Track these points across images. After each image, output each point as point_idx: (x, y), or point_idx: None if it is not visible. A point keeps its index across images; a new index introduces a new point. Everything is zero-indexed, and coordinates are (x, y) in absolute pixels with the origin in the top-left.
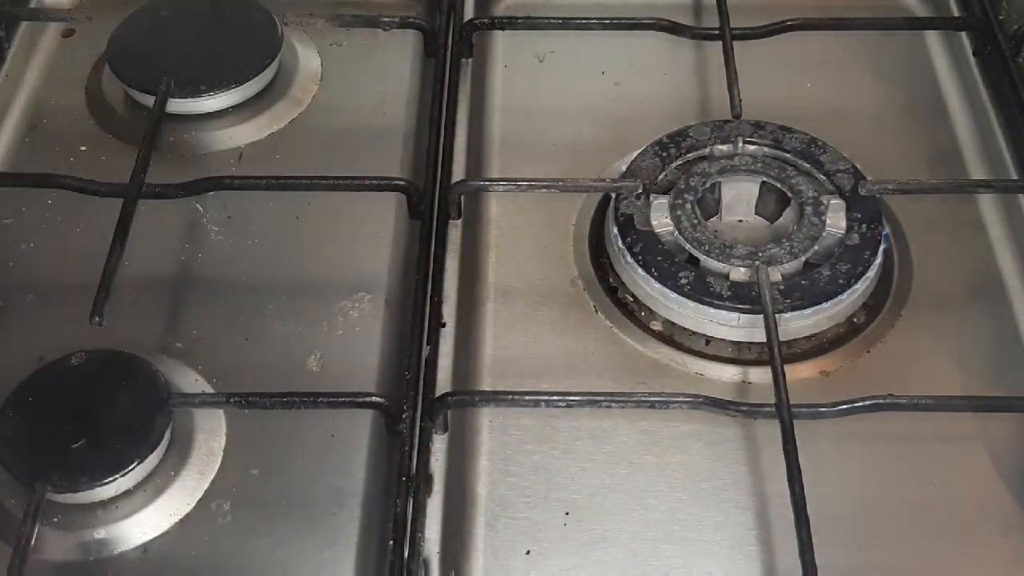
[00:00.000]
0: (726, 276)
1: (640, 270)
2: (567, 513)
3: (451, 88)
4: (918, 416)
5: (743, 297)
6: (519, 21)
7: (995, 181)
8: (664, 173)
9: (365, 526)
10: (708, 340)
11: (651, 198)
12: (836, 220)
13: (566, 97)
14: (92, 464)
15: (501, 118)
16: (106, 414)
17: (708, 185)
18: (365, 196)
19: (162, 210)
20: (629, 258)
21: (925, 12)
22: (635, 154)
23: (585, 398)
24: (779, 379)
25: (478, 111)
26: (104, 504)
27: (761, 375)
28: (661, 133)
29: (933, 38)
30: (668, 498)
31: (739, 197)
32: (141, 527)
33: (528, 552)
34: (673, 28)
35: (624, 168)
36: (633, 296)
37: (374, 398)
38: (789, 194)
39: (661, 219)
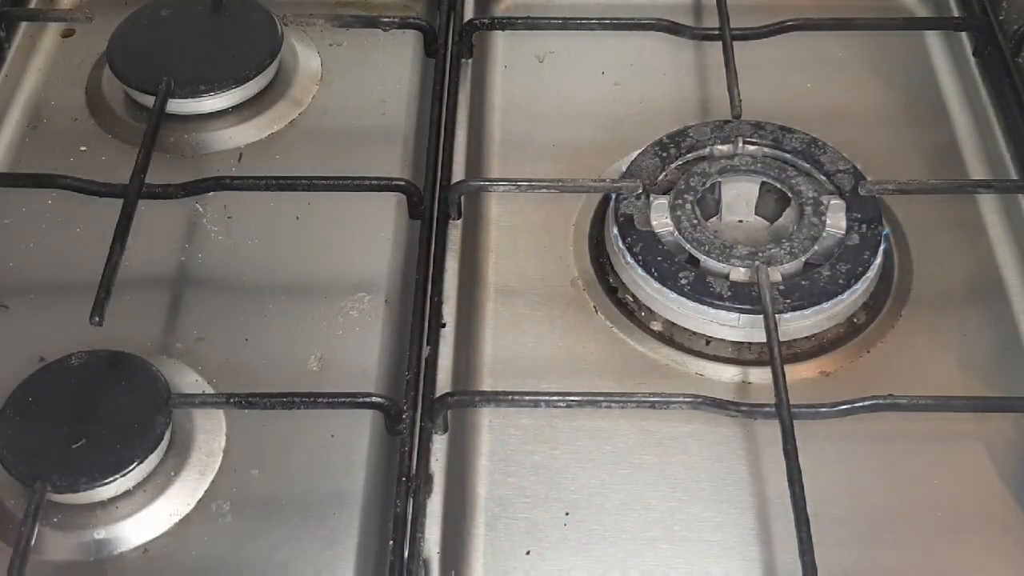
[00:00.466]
0: (726, 276)
1: (640, 270)
2: (567, 513)
3: (451, 88)
4: (918, 416)
5: (743, 297)
6: (519, 21)
7: (995, 181)
8: (664, 173)
9: (365, 526)
10: (708, 340)
11: (651, 198)
12: (836, 220)
13: (566, 97)
14: (92, 464)
15: (501, 118)
16: (106, 414)
17: (708, 185)
18: (365, 196)
19: (162, 210)
20: (629, 258)
21: (925, 12)
22: (635, 154)
23: (585, 398)
24: (779, 379)
25: (478, 111)
26: (104, 504)
27: (761, 375)
28: (661, 133)
29: (933, 38)
30: (668, 498)
31: (739, 197)
32: (141, 527)
33: (528, 552)
34: (673, 28)
35: (624, 168)
36: (633, 296)
37: (374, 398)
38: (789, 194)
39: (661, 219)
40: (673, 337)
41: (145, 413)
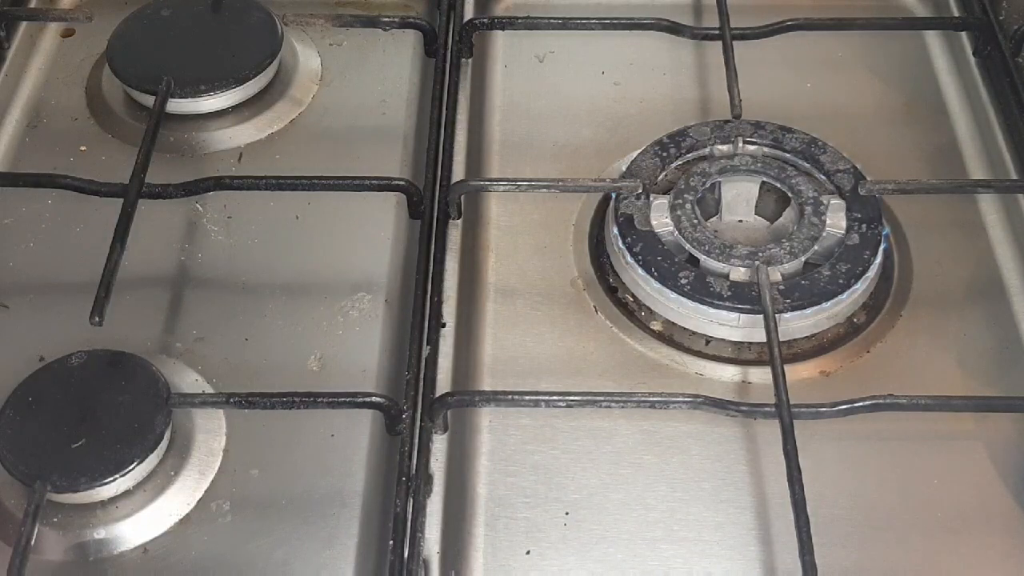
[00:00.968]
0: (726, 276)
1: (640, 270)
2: (567, 513)
3: (451, 88)
4: (918, 416)
5: (743, 297)
6: (519, 21)
7: (995, 181)
8: (664, 173)
9: (365, 526)
10: (708, 340)
11: (651, 198)
12: (836, 220)
13: (566, 97)
14: (92, 464)
15: (501, 118)
16: (106, 414)
17: (708, 185)
18: (365, 196)
19: (162, 210)
20: (629, 258)
21: (925, 12)
22: (635, 154)
23: (585, 398)
24: (779, 379)
25: (478, 111)
26: (104, 504)
27: (761, 375)
28: (661, 133)
29: (933, 38)
30: (668, 498)
31: (739, 197)
32: (141, 527)
33: (528, 552)
34: (673, 28)
35: (624, 168)
36: (633, 296)
37: (374, 398)
38: (789, 194)
39: (661, 219)
40: (673, 337)
41: (145, 413)
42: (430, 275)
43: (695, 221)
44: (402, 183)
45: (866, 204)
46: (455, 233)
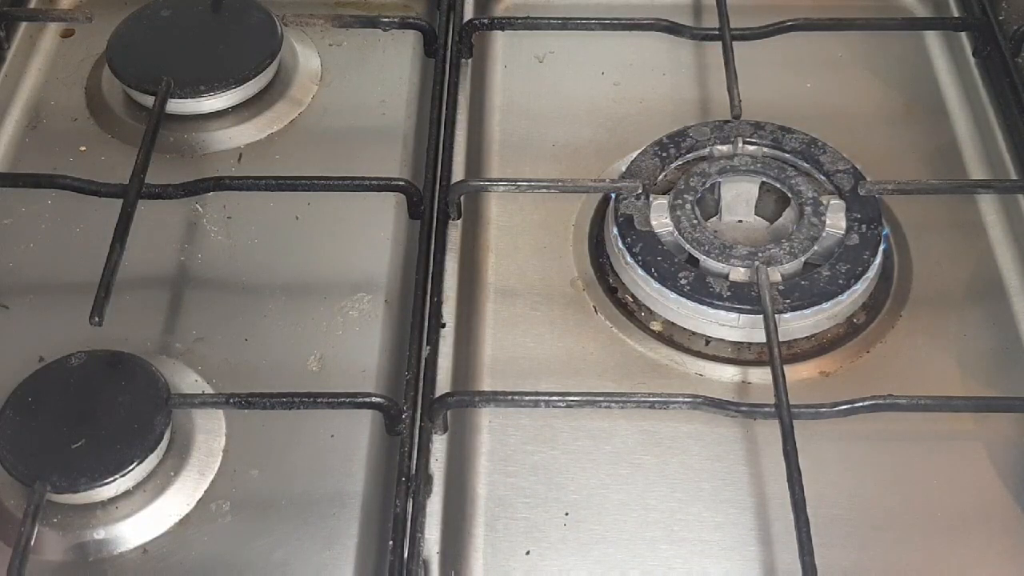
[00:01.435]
0: (726, 276)
1: (640, 270)
2: (567, 513)
3: (451, 88)
4: (918, 416)
5: (743, 297)
6: (519, 21)
7: (995, 181)
8: (664, 173)
9: (365, 526)
10: (708, 340)
11: (651, 198)
12: (836, 220)
13: (566, 97)
14: (92, 464)
15: (501, 118)
16: (106, 414)
17: (708, 185)
18: (365, 196)
19: (162, 210)
20: (629, 258)
21: (925, 12)
22: (635, 154)
23: (585, 398)
24: (779, 379)
25: (478, 111)
26: (104, 504)
27: (761, 375)
28: (661, 133)
29: (933, 38)
30: (668, 498)
31: (739, 197)
32: (141, 527)
33: (528, 552)
34: (673, 28)
35: (624, 168)
36: (633, 296)
37: (374, 398)
38: (789, 194)
39: (661, 219)
40: (673, 337)
41: (145, 413)
42: (430, 275)
43: (695, 221)
44: (402, 183)
45: (866, 204)
46: (455, 233)
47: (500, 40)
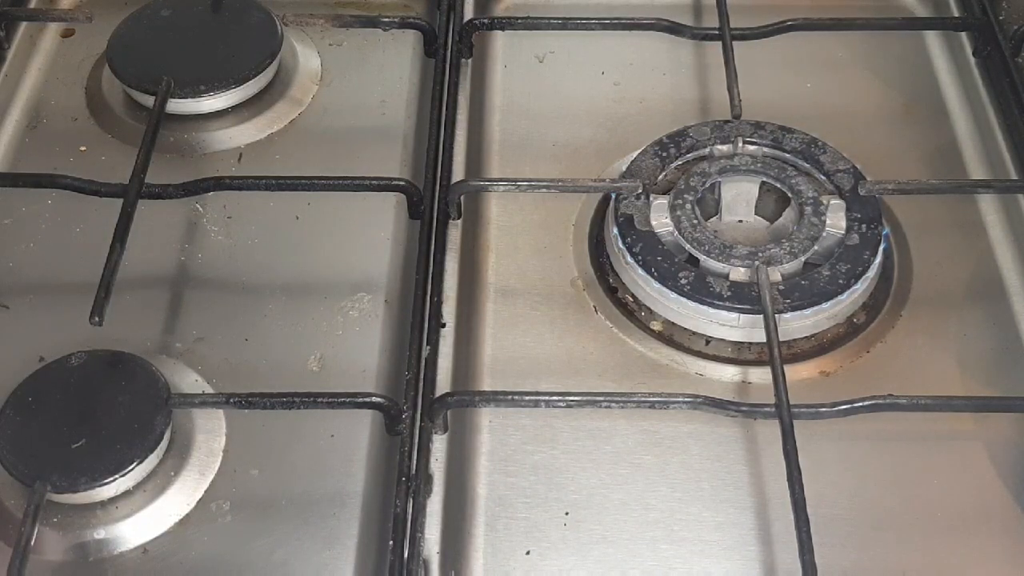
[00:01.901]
0: (726, 276)
1: (640, 270)
2: (567, 513)
3: (451, 88)
4: (918, 416)
5: (743, 297)
6: (519, 21)
7: (995, 181)
8: (664, 173)
9: (365, 526)
10: (708, 340)
11: (651, 198)
12: (836, 220)
13: (566, 97)
14: (92, 464)
15: (501, 118)
16: (106, 414)
17: (708, 185)
18: (365, 196)
19: (162, 210)
20: (629, 258)
21: (925, 12)
22: (635, 154)
23: (585, 398)
24: (779, 379)
25: (478, 111)
26: (104, 504)
27: (761, 375)
28: (661, 133)
29: (933, 38)
30: (668, 498)
31: (739, 197)
32: (141, 527)
33: (528, 552)
34: (673, 28)
35: (624, 168)
36: (633, 296)
37: (374, 398)
38: (789, 194)
39: (661, 219)
40: (673, 337)
41: (145, 413)
42: (430, 275)
43: (695, 221)
44: (402, 183)
45: (866, 204)
46: (455, 233)
47: (500, 40)
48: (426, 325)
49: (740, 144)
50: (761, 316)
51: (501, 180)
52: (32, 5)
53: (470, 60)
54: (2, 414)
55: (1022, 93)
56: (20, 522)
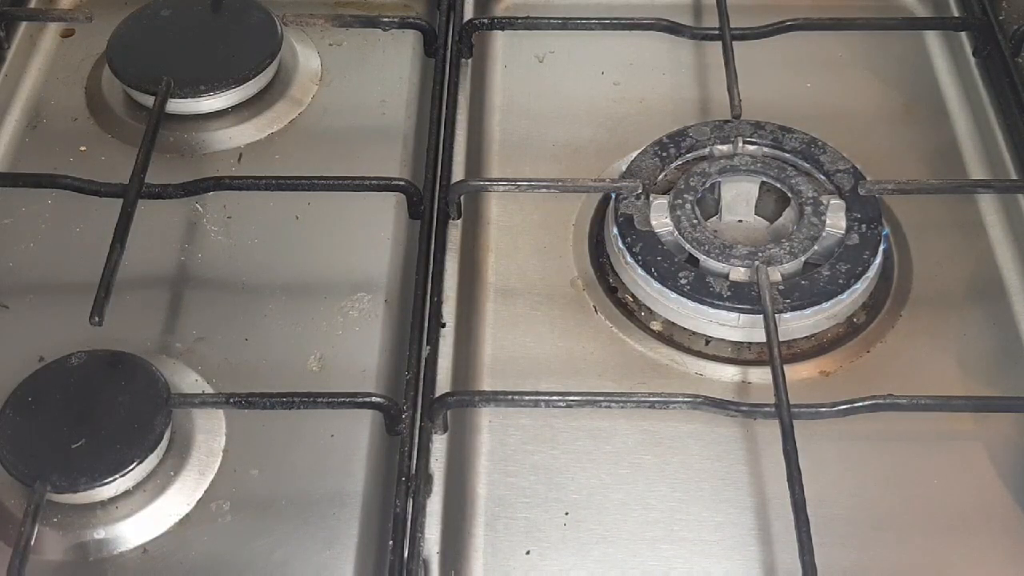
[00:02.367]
0: (726, 276)
1: (640, 270)
2: (567, 513)
3: (451, 88)
4: (918, 416)
5: (743, 297)
6: (519, 21)
7: (995, 181)
8: (664, 173)
9: (365, 526)
10: (708, 340)
11: (651, 198)
12: (836, 220)
13: (566, 97)
14: (92, 464)
15: (501, 118)
16: (106, 414)
17: (708, 185)
18: (365, 196)
19: (162, 210)
20: (629, 258)
21: (925, 12)
22: (635, 154)
23: (585, 398)
24: (779, 379)
25: (478, 111)
26: (104, 504)
27: (761, 375)
28: (661, 133)
29: (933, 38)
30: (668, 498)
31: (739, 197)
32: (141, 527)
33: (528, 552)
34: (673, 28)
35: (624, 168)
36: (633, 296)
37: (374, 398)
38: (789, 194)
39: (661, 219)
40: (673, 337)
41: (145, 413)
42: (430, 275)
43: (695, 221)
44: (402, 183)
45: (866, 204)
46: (455, 233)
47: (500, 40)
48: (426, 325)
49: (740, 144)
50: (761, 316)
51: (501, 180)
52: (32, 5)
53: (470, 60)
54: (2, 414)
55: (1022, 93)
56: (20, 522)
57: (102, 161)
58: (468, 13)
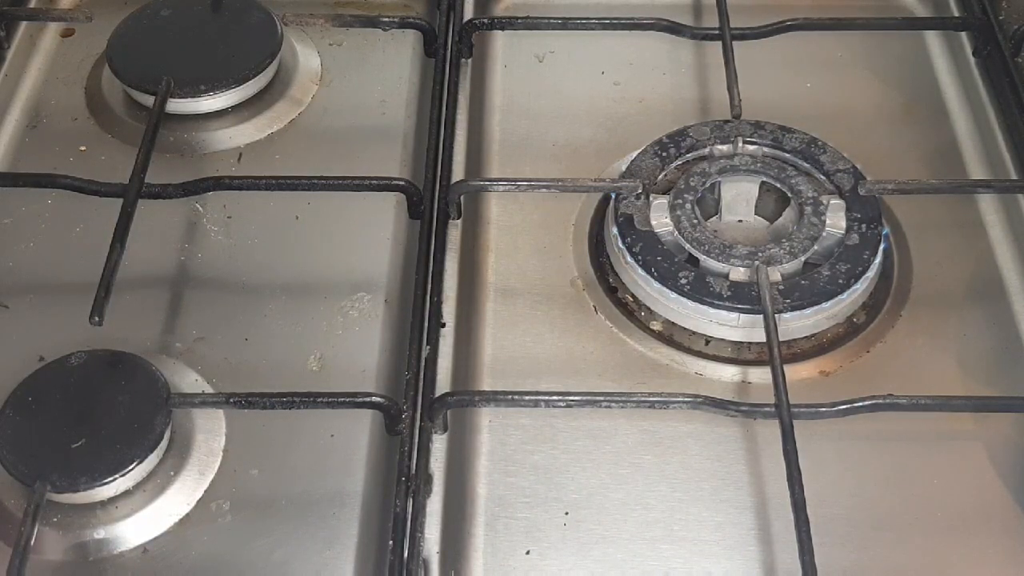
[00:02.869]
0: (726, 276)
1: (640, 270)
2: (567, 513)
3: (451, 88)
4: (918, 416)
5: (743, 297)
6: (519, 21)
7: (995, 181)
8: (664, 173)
9: (365, 526)
10: (708, 340)
11: (651, 198)
12: (836, 220)
13: (566, 97)
14: (92, 464)
15: (501, 118)
16: (106, 414)
17: (708, 185)
18: (365, 196)
19: (162, 210)
20: (629, 258)
21: (925, 12)
22: (635, 154)
23: (585, 398)
24: (779, 379)
25: (478, 111)
26: (104, 504)
27: (761, 375)
28: (661, 133)
29: (933, 38)
30: (668, 498)
31: (739, 197)
32: (141, 527)
33: (528, 552)
34: (673, 28)
35: (624, 168)
36: (633, 296)
37: (374, 398)
38: (789, 194)
39: (661, 219)
40: (673, 337)
41: (145, 413)
42: (430, 275)
43: (695, 221)
44: (402, 183)
45: (866, 204)
46: (455, 233)
47: (500, 40)
48: (426, 325)
49: (740, 144)
50: (761, 316)
51: (501, 180)
52: (32, 5)
53: (470, 60)
54: (2, 414)
55: (1022, 93)
56: (20, 522)
57: (102, 161)
58: (468, 13)
